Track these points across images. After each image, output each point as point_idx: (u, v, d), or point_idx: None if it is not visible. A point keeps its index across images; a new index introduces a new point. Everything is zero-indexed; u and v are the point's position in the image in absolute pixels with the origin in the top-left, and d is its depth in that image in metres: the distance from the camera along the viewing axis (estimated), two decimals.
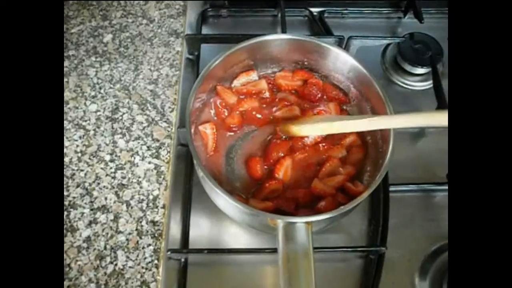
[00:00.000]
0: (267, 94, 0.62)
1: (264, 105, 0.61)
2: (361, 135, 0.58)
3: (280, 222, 0.43)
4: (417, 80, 0.73)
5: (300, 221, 0.43)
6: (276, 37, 0.58)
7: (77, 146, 0.64)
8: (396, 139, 0.50)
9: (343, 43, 0.70)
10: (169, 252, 0.53)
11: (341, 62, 0.59)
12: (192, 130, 0.53)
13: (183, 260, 0.54)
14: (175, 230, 0.57)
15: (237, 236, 0.57)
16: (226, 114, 0.60)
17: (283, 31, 0.70)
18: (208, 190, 0.52)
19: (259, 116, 0.61)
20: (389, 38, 0.74)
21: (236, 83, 0.62)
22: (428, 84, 0.72)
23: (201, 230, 0.58)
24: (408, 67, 0.72)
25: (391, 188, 0.59)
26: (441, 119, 0.41)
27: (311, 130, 0.56)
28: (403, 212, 0.59)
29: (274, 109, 0.61)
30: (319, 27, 0.75)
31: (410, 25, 0.78)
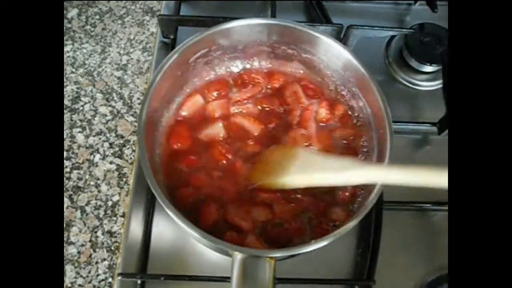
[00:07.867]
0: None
1: None
2: None
3: (237, 254, 0.34)
4: (424, 79, 0.64)
5: (263, 255, 0.35)
6: (256, 22, 0.49)
7: None
8: (392, 154, 0.43)
9: (341, 33, 0.61)
10: (119, 277, 0.45)
11: (334, 55, 0.50)
12: None
13: (139, 282, 0.47)
14: (134, 243, 0.50)
15: (203, 254, 0.50)
16: None
17: (273, 15, 0.61)
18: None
19: None
20: (395, 29, 0.65)
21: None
22: (436, 84, 0.63)
23: (164, 244, 0.51)
24: (415, 64, 0.63)
25: (385, 207, 0.52)
26: (440, 179, 0.34)
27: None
28: (397, 235, 0.52)
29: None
30: (316, 12, 0.66)
31: (420, 13, 0.68)
